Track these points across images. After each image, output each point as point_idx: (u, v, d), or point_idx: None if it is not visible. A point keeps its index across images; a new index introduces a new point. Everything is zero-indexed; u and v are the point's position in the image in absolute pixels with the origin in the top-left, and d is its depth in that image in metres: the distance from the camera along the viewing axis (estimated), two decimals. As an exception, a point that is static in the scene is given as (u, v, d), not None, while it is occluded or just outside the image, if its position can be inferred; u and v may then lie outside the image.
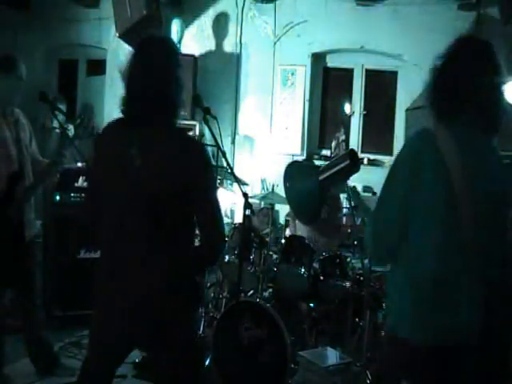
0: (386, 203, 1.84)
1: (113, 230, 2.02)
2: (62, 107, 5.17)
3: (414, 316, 1.80)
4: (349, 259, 3.76)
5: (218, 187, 2.12)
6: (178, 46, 5.36)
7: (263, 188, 5.28)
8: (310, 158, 5.28)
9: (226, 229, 4.28)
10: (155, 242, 1.98)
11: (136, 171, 1.96)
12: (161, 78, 2.19)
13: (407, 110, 4.87)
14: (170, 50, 2.29)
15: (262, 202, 4.79)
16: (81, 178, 4.29)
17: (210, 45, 5.58)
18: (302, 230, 4.24)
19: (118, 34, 5.13)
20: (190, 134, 4.96)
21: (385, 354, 2.00)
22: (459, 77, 1.83)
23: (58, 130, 5.02)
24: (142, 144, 1.99)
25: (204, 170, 2.05)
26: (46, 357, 3.50)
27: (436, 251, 1.78)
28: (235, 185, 4.32)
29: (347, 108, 5.38)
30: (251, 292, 3.68)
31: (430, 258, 1.78)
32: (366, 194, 4.63)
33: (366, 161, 5.10)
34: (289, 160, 4.47)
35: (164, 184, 1.96)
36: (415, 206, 1.78)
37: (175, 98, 2.23)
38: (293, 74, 5.33)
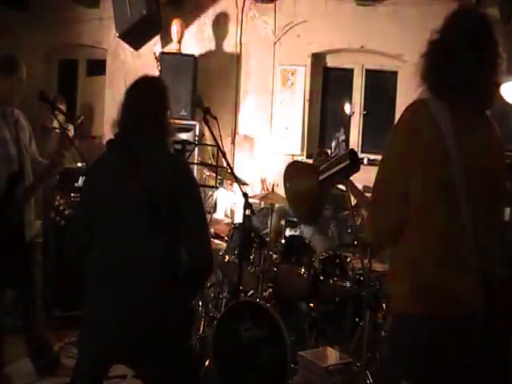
0: (386, 192, 1.84)
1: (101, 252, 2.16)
2: (62, 107, 5.17)
3: (424, 288, 1.78)
4: (349, 259, 3.76)
5: (204, 208, 2.26)
6: (178, 46, 5.37)
7: (263, 188, 5.28)
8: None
9: (226, 229, 4.28)
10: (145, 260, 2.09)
11: (134, 192, 2.09)
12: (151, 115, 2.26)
13: (407, 110, 4.86)
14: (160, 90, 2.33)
15: (262, 202, 4.79)
16: (81, 178, 4.29)
17: (210, 45, 5.58)
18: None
19: (117, 34, 5.13)
20: (189, 134, 4.96)
21: (390, 344, 1.98)
22: (453, 67, 1.84)
23: (57, 130, 5.01)
24: (137, 169, 2.12)
25: (191, 191, 2.21)
26: (45, 357, 3.50)
27: (437, 233, 1.77)
28: (235, 185, 4.32)
29: (347, 108, 5.38)
30: (251, 292, 3.68)
31: (433, 240, 1.77)
32: (366, 194, 4.62)
33: (365, 161, 5.10)
34: (289, 160, 4.48)
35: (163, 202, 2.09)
36: (415, 189, 1.76)
37: (165, 127, 2.29)
38: (293, 74, 5.33)
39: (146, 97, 2.25)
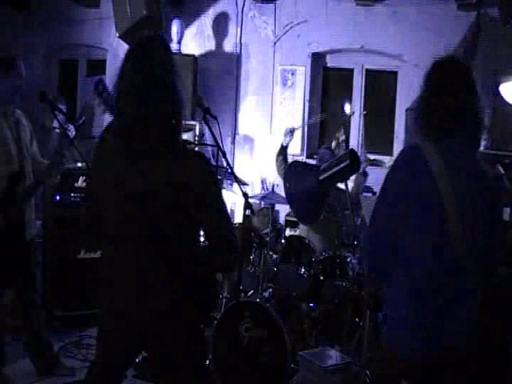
0: (377, 224, 1.94)
1: (112, 242, 2.00)
2: (62, 107, 5.17)
3: (415, 328, 1.87)
4: (349, 259, 3.76)
5: (222, 195, 2.06)
6: (178, 46, 5.36)
7: (263, 188, 5.28)
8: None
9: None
10: (154, 254, 1.93)
11: (136, 185, 1.89)
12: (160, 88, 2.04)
13: (407, 109, 4.87)
14: (167, 54, 2.07)
15: (262, 202, 4.79)
16: (81, 178, 4.30)
17: (210, 45, 5.58)
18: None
19: (117, 34, 5.13)
20: (189, 134, 4.96)
21: (384, 358, 2.02)
22: (442, 104, 1.94)
23: (57, 130, 5.01)
24: (142, 159, 1.91)
25: (208, 181, 1.98)
26: (45, 356, 3.50)
27: (429, 264, 1.85)
28: (235, 185, 4.32)
29: (347, 108, 5.38)
30: (251, 292, 3.68)
31: (424, 272, 1.86)
32: (366, 193, 4.63)
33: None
34: (289, 160, 4.48)
35: (163, 199, 1.90)
36: (406, 222, 1.86)
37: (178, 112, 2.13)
38: (293, 74, 5.33)
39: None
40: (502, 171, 3.71)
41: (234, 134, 5.51)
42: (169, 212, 1.90)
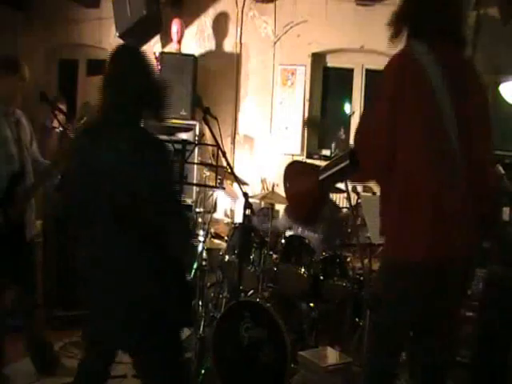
0: (374, 124, 1.95)
1: (89, 232, 2.18)
2: (62, 107, 5.17)
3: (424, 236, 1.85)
4: (349, 259, 3.76)
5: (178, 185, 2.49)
6: (178, 46, 5.36)
7: (263, 188, 5.28)
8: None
9: (226, 229, 4.29)
10: (126, 242, 2.09)
11: (101, 172, 2.09)
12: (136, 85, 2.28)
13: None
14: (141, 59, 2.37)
15: (262, 202, 4.79)
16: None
17: (210, 45, 5.58)
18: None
19: (117, 34, 5.13)
20: (189, 134, 4.96)
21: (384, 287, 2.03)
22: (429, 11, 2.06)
23: (58, 130, 5.01)
24: (108, 145, 2.12)
25: (161, 167, 2.15)
26: (45, 356, 3.51)
27: (427, 167, 1.85)
28: (235, 185, 4.32)
29: (348, 108, 5.38)
30: (251, 292, 3.69)
31: (423, 174, 1.86)
32: (365, 193, 4.62)
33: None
34: (289, 160, 4.48)
35: (127, 184, 2.06)
36: (403, 123, 1.86)
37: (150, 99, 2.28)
38: (293, 74, 5.33)
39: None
40: (502, 171, 3.71)
41: (234, 134, 5.51)
42: (130, 191, 2.07)
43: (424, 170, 1.85)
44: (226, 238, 4.06)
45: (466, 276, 2.02)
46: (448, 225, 1.85)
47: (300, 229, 3.98)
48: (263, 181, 5.32)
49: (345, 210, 4.31)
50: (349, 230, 4.21)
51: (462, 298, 2.13)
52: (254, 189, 5.22)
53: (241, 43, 5.48)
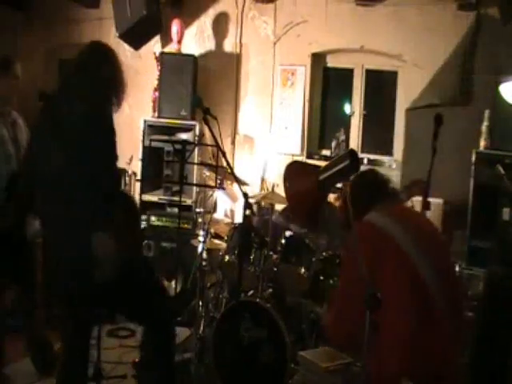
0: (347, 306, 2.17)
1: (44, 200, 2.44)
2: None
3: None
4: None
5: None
6: (178, 46, 5.36)
7: (263, 188, 5.28)
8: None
9: (226, 229, 4.28)
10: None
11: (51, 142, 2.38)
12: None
13: (407, 109, 4.87)
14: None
15: (262, 202, 4.79)
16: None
17: (210, 45, 5.58)
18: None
19: (117, 34, 5.13)
20: (189, 134, 4.96)
21: None
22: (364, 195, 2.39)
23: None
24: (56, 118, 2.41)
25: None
26: (45, 356, 3.50)
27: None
28: (235, 185, 4.32)
29: (348, 108, 5.39)
30: (251, 292, 3.68)
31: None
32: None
33: (365, 161, 5.10)
34: (289, 160, 4.48)
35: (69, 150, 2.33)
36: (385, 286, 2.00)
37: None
38: (293, 74, 5.33)
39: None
40: (502, 171, 3.71)
41: (234, 134, 5.51)
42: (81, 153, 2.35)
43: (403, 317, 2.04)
44: (225, 238, 4.05)
45: None
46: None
47: (297, 229, 3.98)
48: (263, 181, 5.32)
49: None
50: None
51: None
52: (254, 189, 5.22)
53: (241, 43, 5.48)
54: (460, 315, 2.18)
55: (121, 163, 2.79)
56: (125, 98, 2.65)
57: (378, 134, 5.35)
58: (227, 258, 3.80)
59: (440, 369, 2.00)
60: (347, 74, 5.43)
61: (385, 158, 5.17)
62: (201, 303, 3.87)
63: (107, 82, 2.56)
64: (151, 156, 4.92)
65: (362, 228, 2.22)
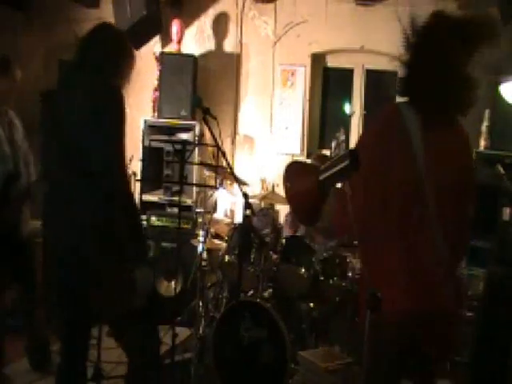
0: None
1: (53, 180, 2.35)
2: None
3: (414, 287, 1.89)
4: (349, 259, 3.76)
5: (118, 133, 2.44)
6: (178, 46, 5.36)
7: (263, 188, 5.28)
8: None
9: (226, 229, 4.28)
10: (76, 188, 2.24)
11: (63, 123, 2.26)
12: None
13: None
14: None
15: (262, 202, 4.79)
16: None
17: (210, 45, 5.58)
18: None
19: (117, 34, 5.12)
20: (189, 134, 4.96)
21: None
22: (430, 69, 1.95)
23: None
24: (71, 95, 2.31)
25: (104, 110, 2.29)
26: (42, 355, 3.51)
27: (413, 233, 1.88)
28: (235, 185, 4.32)
29: (348, 108, 5.38)
30: (251, 292, 3.68)
31: (411, 242, 1.88)
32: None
33: (365, 161, 5.10)
34: (289, 160, 4.48)
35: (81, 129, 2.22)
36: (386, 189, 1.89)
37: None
38: (293, 74, 5.33)
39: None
40: (502, 171, 3.71)
41: (234, 134, 5.51)
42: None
43: (401, 235, 1.89)
44: (225, 238, 4.06)
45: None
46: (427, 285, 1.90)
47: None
48: (263, 181, 5.32)
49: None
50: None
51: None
52: (254, 189, 5.22)
53: (241, 43, 5.48)
54: (461, 247, 2.02)
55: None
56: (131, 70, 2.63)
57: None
58: (227, 258, 3.80)
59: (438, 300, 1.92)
60: (347, 74, 5.43)
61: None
62: (201, 303, 3.87)
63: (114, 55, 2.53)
64: (151, 156, 4.92)
65: (387, 109, 2.00)
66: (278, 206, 4.96)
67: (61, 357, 2.41)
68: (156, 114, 5.15)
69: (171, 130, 5.00)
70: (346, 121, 5.31)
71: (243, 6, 5.42)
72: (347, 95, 5.41)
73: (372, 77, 5.35)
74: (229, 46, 5.53)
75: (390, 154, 1.88)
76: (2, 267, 3.20)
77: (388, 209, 1.88)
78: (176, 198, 4.62)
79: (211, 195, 4.74)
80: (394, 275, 1.89)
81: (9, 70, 3.26)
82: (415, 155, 1.85)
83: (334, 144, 4.85)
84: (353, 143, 5.28)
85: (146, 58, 5.49)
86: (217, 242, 4.15)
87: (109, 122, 2.28)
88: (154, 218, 4.89)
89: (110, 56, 2.48)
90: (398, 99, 2.11)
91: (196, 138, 4.87)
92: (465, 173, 1.98)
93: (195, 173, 4.93)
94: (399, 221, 1.88)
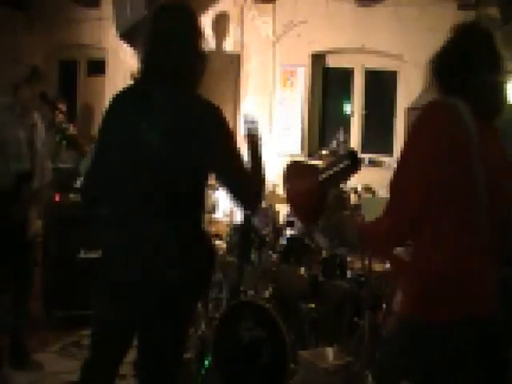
0: (409, 184, 1.79)
1: (125, 205, 1.99)
2: (62, 107, 5.17)
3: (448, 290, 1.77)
4: (349, 259, 3.76)
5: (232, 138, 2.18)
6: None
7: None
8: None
9: (226, 229, 4.29)
10: (170, 216, 1.96)
11: (148, 142, 1.92)
12: (178, 45, 2.05)
13: (407, 109, 4.87)
14: (188, 16, 2.12)
15: (262, 202, 4.79)
16: (78, 179, 4.31)
17: (210, 45, 5.58)
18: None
19: (118, 34, 5.13)
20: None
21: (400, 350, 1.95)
22: (463, 58, 1.90)
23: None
24: (154, 112, 1.96)
25: (219, 131, 2.06)
26: (22, 351, 3.53)
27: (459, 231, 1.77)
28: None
29: (348, 108, 5.39)
30: (251, 292, 3.68)
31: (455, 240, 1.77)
32: (366, 194, 4.63)
33: (366, 161, 5.11)
34: (289, 160, 4.47)
35: (178, 153, 1.94)
36: (438, 187, 1.76)
37: (190, 65, 2.12)
38: (293, 74, 5.33)
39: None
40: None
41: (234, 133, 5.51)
42: (182, 161, 1.95)
43: (454, 235, 1.78)
44: (225, 238, 4.06)
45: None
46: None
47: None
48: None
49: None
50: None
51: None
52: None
53: (241, 43, 5.48)
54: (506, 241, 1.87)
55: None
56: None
57: (378, 133, 5.35)
58: (227, 258, 3.80)
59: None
60: (347, 74, 5.43)
61: (385, 158, 5.17)
62: (201, 303, 3.87)
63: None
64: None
65: (435, 109, 1.83)
66: (277, 206, 4.96)
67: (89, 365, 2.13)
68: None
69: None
70: (345, 121, 5.31)
71: (243, 6, 5.42)
72: (347, 95, 5.41)
73: (372, 77, 5.35)
74: (229, 46, 5.53)
75: (444, 152, 1.75)
76: (3, 265, 3.22)
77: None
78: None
79: (211, 195, 4.73)
80: (443, 276, 1.78)
81: (39, 81, 3.32)
82: (472, 155, 1.75)
83: (334, 144, 4.86)
84: (353, 143, 5.28)
85: (146, 58, 5.50)
86: (217, 241, 4.15)
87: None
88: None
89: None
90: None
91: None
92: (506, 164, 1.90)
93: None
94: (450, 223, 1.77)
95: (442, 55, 1.95)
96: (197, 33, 2.09)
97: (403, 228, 1.84)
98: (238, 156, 2.13)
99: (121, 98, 2.08)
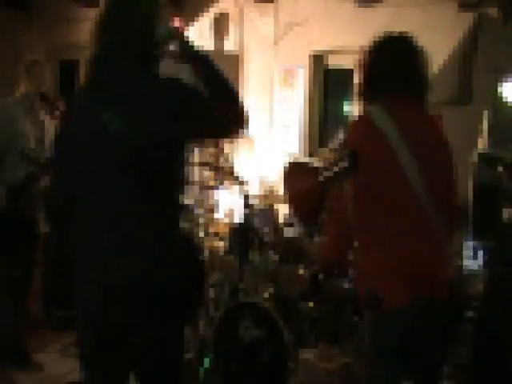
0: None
1: (97, 205, 1.93)
2: (62, 107, 5.18)
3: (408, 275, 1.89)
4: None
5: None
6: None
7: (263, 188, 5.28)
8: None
9: (226, 229, 4.29)
10: (146, 212, 1.87)
11: (114, 132, 1.81)
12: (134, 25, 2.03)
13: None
14: None
15: (262, 202, 4.79)
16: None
17: (210, 45, 5.58)
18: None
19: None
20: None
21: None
22: (382, 63, 2.25)
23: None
24: (114, 100, 1.86)
25: (183, 100, 1.99)
26: (22, 349, 3.54)
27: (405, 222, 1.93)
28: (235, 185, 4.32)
29: (348, 108, 5.39)
30: (251, 292, 3.69)
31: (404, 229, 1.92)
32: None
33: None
34: (289, 160, 4.47)
35: (148, 136, 1.82)
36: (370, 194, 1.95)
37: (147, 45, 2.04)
38: (293, 74, 5.33)
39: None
40: (503, 171, 3.71)
41: (234, 134, 5.51)
42: (154, 147, 1.84)
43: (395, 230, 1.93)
44: (225, 238, 4.06)
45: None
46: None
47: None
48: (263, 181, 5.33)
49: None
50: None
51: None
52: (254, 189, 5.22)
53: (241, 43, 5.48)
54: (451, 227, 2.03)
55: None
56: None
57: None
58: (227, 258, 3.80)
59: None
60: (347, 74, 5.43)
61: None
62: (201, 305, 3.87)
63: None
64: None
65: (357, 124, 2.14)
66: (277, 206, 4.96)
67: None
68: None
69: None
70: (345, 121, 5.31)
71: (243, 6, 5.42)
72: (347, 95, 5.41)
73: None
74: (229, 46, 5.53)
75: (369, 162, 1.96)
76: (13, 260, 3.27)
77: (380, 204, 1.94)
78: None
79: (211, 195, 4.73)
80: (391, 265, 1.91)
81: (50, 107, 3.36)
82: (395, 152, 1.91)
83: (334, 144, 4.85)
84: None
85: (146, 58, 5.50)
86: (217, 241, 4.15)
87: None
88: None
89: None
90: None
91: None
92: (442, 147, 2.04)
93: (195, 173, 4.93)
94: (390, 215, 1.93)
95: (360, 69, 2.30)
96: (152, 12, 2.09)
97: (343, 238, 2.10)
98: (207, 106, 2.06)
99: (78, 98, 2.11)
